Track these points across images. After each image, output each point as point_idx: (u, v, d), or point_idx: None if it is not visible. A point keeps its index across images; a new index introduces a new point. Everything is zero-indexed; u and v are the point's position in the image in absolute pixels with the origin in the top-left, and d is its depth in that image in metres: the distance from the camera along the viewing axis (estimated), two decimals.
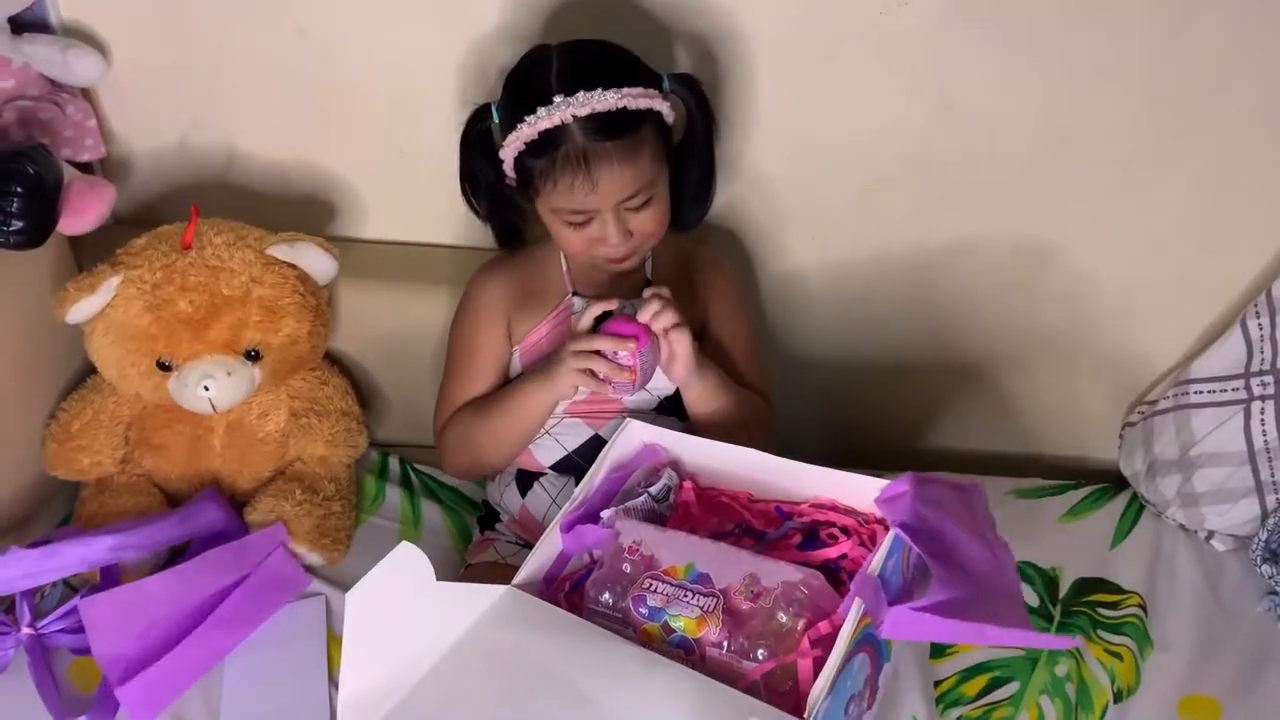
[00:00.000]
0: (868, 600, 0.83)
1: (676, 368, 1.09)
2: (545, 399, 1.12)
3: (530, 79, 1.07)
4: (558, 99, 1.02)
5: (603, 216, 1.07)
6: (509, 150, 1.08)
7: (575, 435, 1.16)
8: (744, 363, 1.23)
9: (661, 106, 1.08)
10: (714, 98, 1.23)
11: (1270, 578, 1.24)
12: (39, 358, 1.27)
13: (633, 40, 1.10)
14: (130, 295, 1.18)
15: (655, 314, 1.06)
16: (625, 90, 1.04)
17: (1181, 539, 1.32)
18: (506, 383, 1.21)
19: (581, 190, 1.05)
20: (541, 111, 1.03)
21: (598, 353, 1.05)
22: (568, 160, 1.04)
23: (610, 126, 1.04)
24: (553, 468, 1.19)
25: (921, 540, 0.86)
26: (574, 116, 1.02)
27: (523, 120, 1.04)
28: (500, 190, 1.14)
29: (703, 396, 1.12)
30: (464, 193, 1.17)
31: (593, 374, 1.06)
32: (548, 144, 1.04)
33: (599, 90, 1.03)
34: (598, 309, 1.08)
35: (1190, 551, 1.31)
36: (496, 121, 1.09)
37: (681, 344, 1.07)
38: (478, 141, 1.12)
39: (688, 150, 1.15)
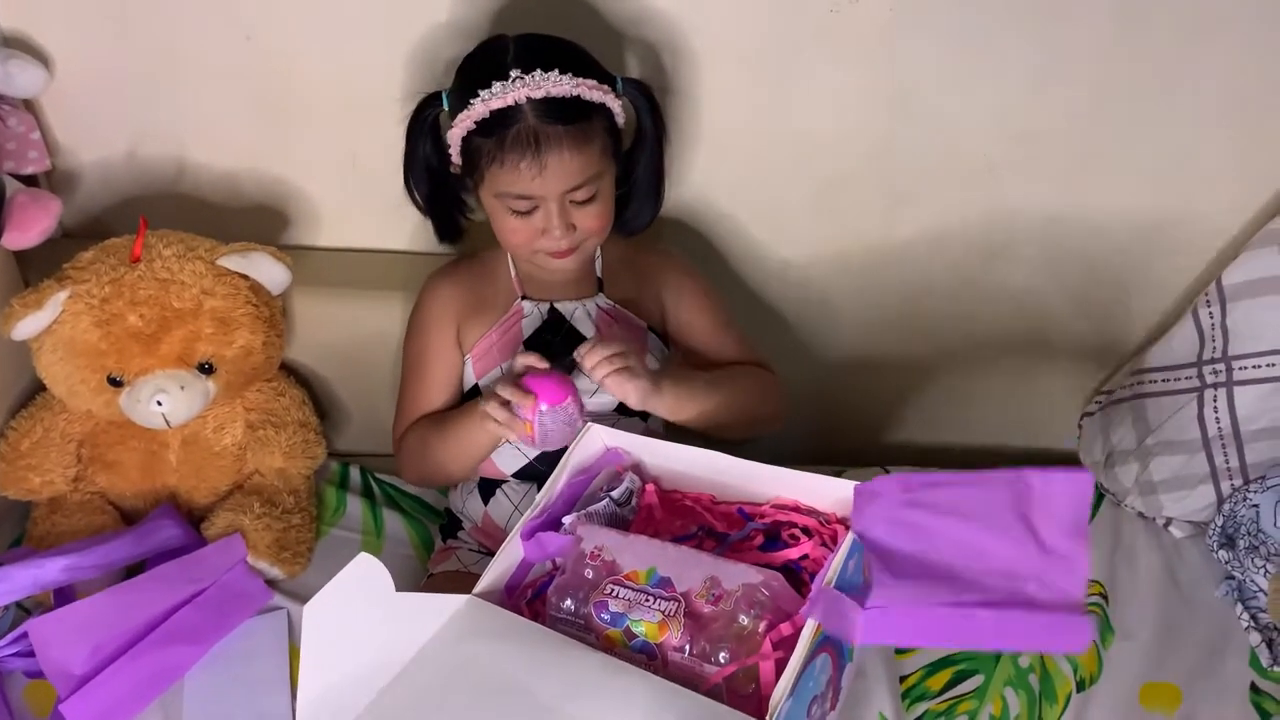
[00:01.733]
0: (825, 615, 0.82)
1: (630, 401, 1.07)
2: (480, 435, 1.11)
3: (486, 60, 1.06)
4: (514, 73, 1.02)
5: (547, 206, 1.07)
6: (458, 130, 1.06)
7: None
8: (722, 340, 1.23)
9: (614, 104, 1.08)
10: (669, 98, 1.24)
11: (1227, 563, 1.26)
12: None
13: (585, 40, 1.10)
14: (78, 310, 1.15)
15: (592, 367, 1.04)
16: (580, 80, 1.04)
17: (1140, 527, 1.34)
18: (462, 391, 1.20)
19: (529, 173, 1.04)
20: (496, 87, 1.03)
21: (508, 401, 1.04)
22: (518, 140, 1.03)
23: (563, 111, 1.03)
24: (515, 475, 1.18)
25: (885, 547, 0.86)
26: (528, 98, 1.02)
27: (476, 97, 1.04)
28: (443, 178, 1.13)
29: (673, 409, 1.11)
30: (405, 181, 1.16)
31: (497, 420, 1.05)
32: (499, 123, 1.03)
33: (555, 72, 1.03)
34: (528, 360, 1.06)
35: (1149, 539, 1.32)
36: (446, 108, 1.09)
37: (621, 387, 1.05)
38: (424, 129, 1.11)
39: (637, 155, 1.15)
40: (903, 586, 0.83)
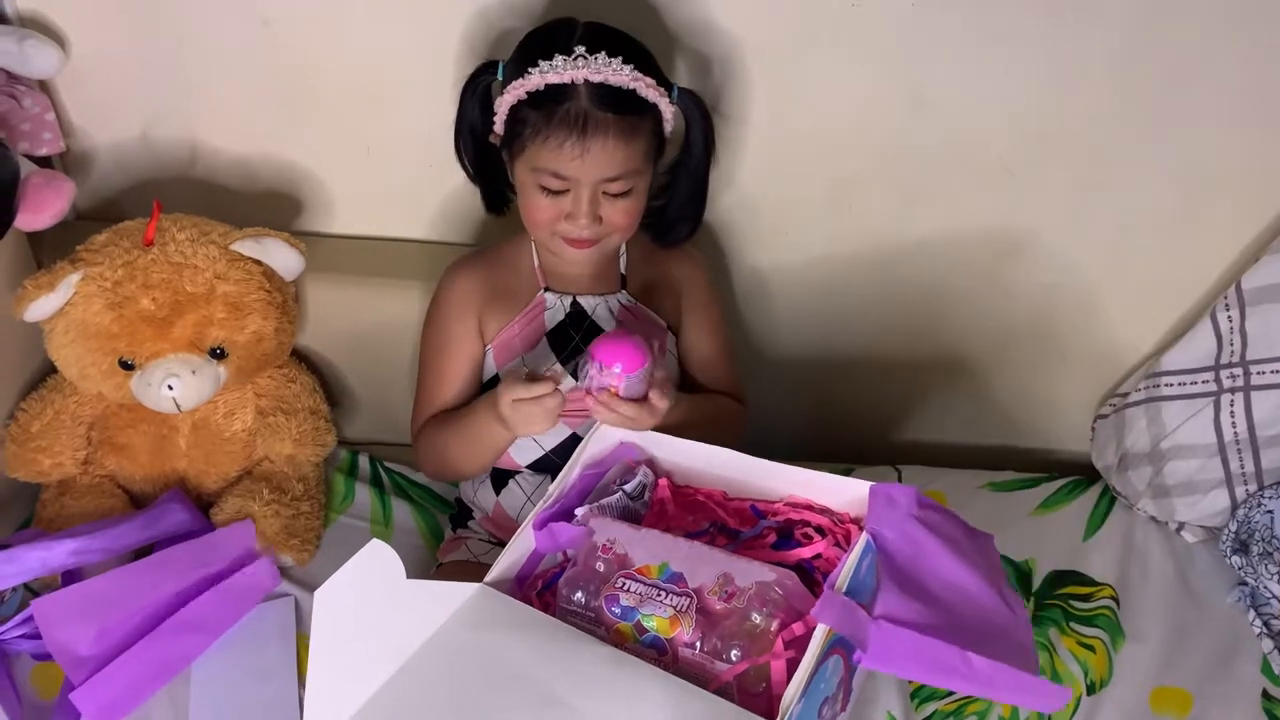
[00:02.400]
0: (836, 621, 0.82)
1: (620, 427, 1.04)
2: (498, 434, 1.10)
3: (552, 35, 1.06)
4: (579, 49, 1.02)
5: (579, 190, 1.06)
6: (509, 97, 1.06)
7: (553, 434, 1.14)
8: (717, 361, 1.23)
9: (666, 109, 1.08)
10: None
11: (1240, 569, 1.25)
12: None
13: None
14: (91, 293, 1.15)
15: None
16: (641, 75, 1.04)
17: (1153, 531, 1.33)
18: (482, 383, 1.19)
19: (570, 153, 1.03)
20: (558, 59, 1.02)
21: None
22: (566, 118, 1.03)
23: (617, 100, 1.03)
24: (529, 466, 1.17)
25: (895, 557, 0.86)
26: (586, 79, 1.02)
27: (535, 68, 1.03)
28: (487, 146, 1.13)
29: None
30: (456, 145, 1.15)
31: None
32: (551, 97, 1.03)
33: (618, 61, 1.02)
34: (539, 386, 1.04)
35: (1161, 543, 1.31)
36: (500, 78, 1.08)
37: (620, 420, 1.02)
38: (475, 95, 1.11)
39: (683, 167, 1.14)
40: (904, 602, 0.83)
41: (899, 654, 0.81)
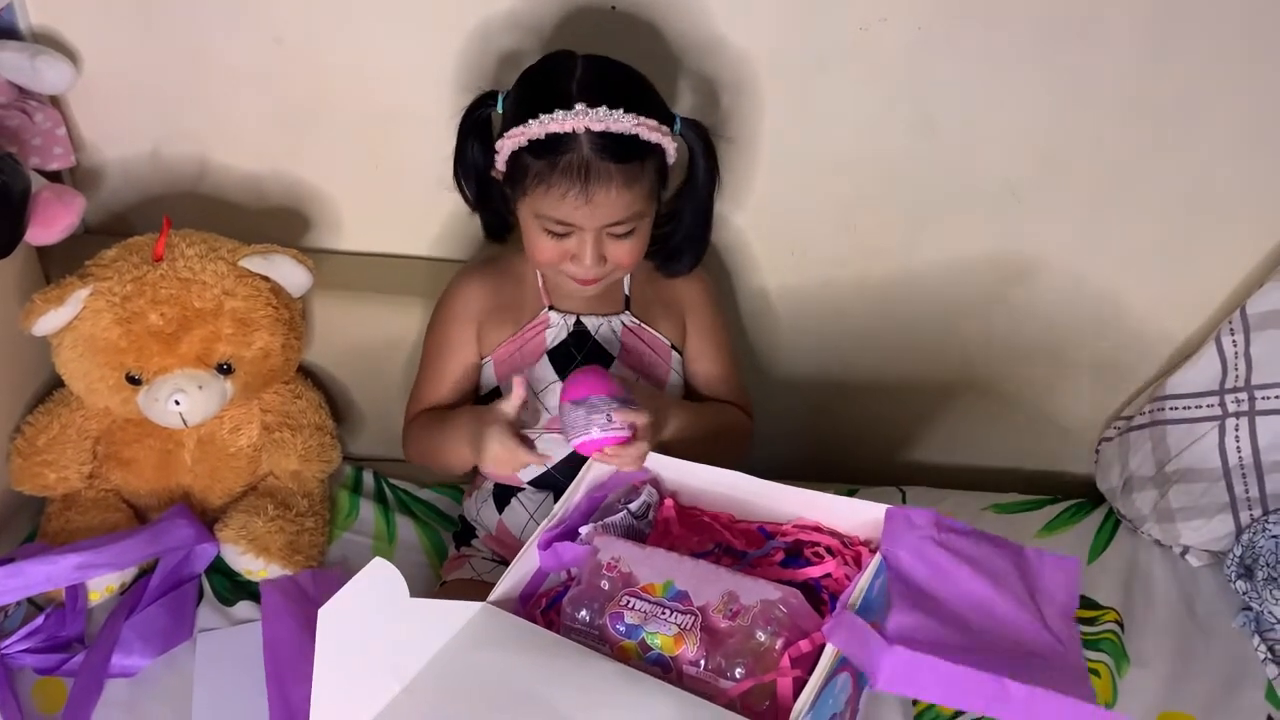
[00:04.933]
0: (845, 642, 0.82)
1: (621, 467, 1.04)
2: (469, 456, 1.12)
3: (551, 79, 1.05)
4: (579, 106, 1.01)
5: (583, 235, 1.06)
6: (509, 142, 1.05)
7: (556, 451, 1.15)
8: (723, 378, 1.23)
9: (669, 145, 1.07)
10: (694, 115, 1.23)
11: (1245, 593, 1.25)
12: (4, 371, 1.24)
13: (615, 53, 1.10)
14: (99, 308, 1.16)
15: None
16: (642, 119, 1.03)
17: (1157, 554, 1.33)
18: (476, 388, 1.20)
19: (573, 203, 1.03)
20: (558, 114, 1.02)
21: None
22: (568, 169, 1.02)
23: (619, 149, 1.03)
24: (531, 483, 1.17)
25: (910, 578, 0.86)
26: (588, 129, 1.01)
27: (535, 117, 1.03)
28: (488, 179, 1.13)
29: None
30: (455, 175, 1.15)
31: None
32: (552, 148, 1.03)
33: (619, 111, 1.02)
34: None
35: (1166, 567, 1.31)
36: (500, 110, 1.08)
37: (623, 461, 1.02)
38: (475, 127, 1.11)
39: (686, 197, 1.14)
40: (918, 620, 0.82)
41: (920, 677, 0.78)
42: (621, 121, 1.02)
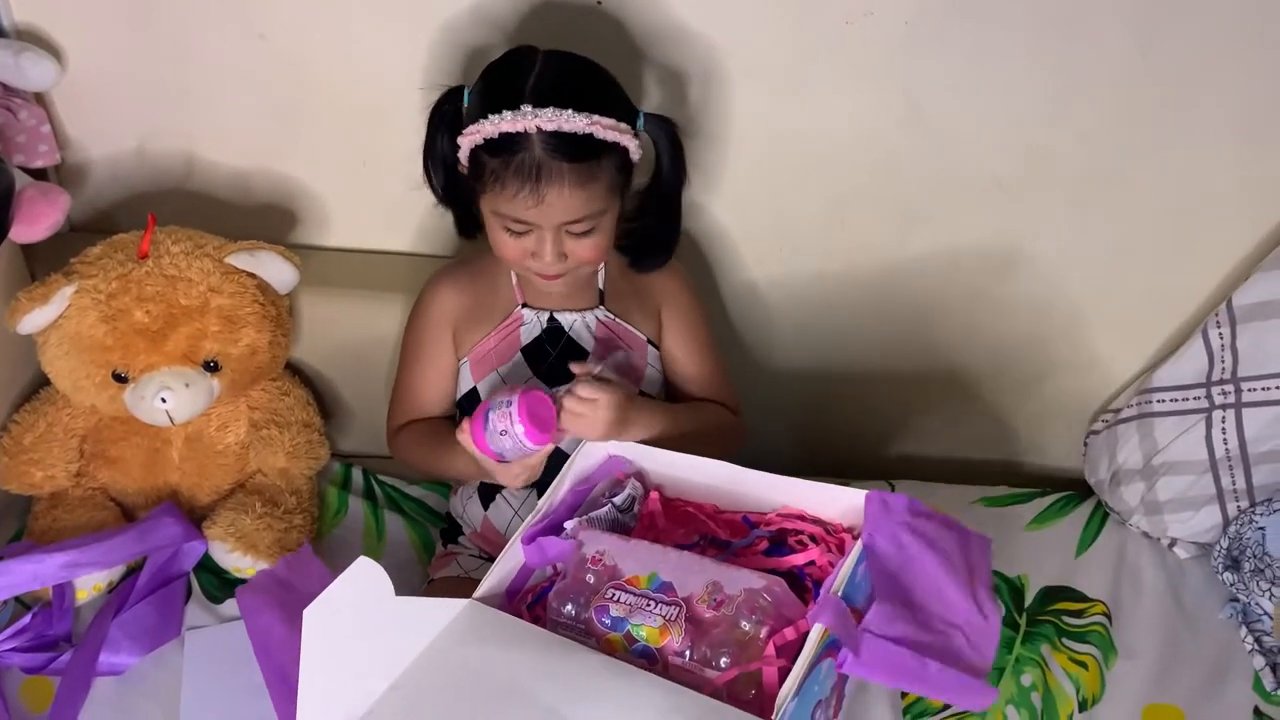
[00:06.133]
0: (832, 622, 0.83)
1: (591, 437, 1.05)
2: (476, 474, 1.12)
3: (507, 77, 1.05)
4: (526, 107, 1.01)
5: (541, 233, 1.06)
6: (467, 139, 1.05)
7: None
8: (705, 372, 1.22)
9: (630, 143, 1.06)
10: (681, 108, 1.23)
11: (1232, 585, 1.25)
12: None
13: (600, 52, 1.09)
14: (85, 305, 1.15)
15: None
16: (596, 118, 1.02)
17: (1145, 547, 1.33)
18: (459, 395, 1.20)
19: (526, 202, 1.03)
20: (507, 114, 1.02)
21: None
22: (520, 169, 1.02)
23: (571, 148, 1.02)
24: None
25: (885, 564, 0.87)
26: (538, 128, 1.01)
27: (487, 116, 1.03)
28: (456, 174, 1.13)
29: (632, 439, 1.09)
30: (425, 171, 1.14)
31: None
32: (505, 146, 1.03)
33: (569, 111, 1.01)
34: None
35: (1153, 559, 1.31)
36: (466, 105, 1.08)
37: (585, 427, 1.03)
38: (445, 120, 1.10)
39: (652, 195, 1.14)
40: (886, 612, 0.85)
41: (875, 661, 0.83)
42: (574, 121, 1.01)
